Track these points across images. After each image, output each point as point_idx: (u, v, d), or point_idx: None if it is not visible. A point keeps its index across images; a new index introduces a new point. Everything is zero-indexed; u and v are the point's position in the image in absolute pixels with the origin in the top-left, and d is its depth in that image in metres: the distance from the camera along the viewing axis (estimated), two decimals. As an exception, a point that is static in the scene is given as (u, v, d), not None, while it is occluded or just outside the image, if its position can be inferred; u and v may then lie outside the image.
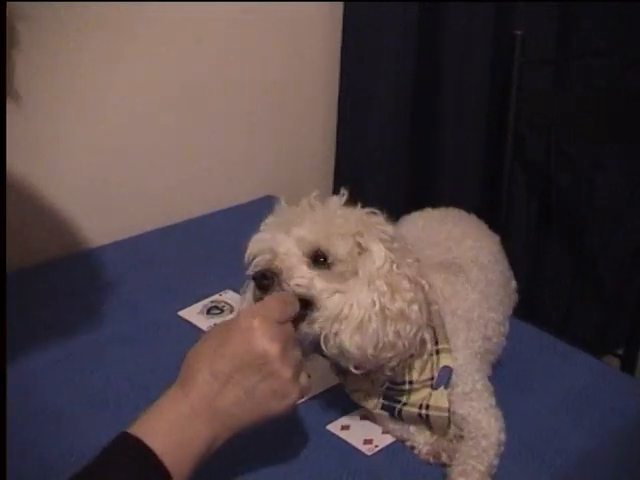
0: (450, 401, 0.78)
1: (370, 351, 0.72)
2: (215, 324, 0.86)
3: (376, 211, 0.79)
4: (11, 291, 0.90)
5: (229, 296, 1.08)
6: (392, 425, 0.82)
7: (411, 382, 0.78)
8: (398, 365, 0.76)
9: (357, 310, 0.72)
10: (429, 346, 0.77)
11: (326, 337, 0.74)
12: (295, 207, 0.79)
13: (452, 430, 0.80)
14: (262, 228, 0.80)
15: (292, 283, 0.73)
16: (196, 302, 1.06)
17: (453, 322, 0.81)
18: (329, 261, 0.74)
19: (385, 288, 0.73)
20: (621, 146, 1.60)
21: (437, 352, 0.78)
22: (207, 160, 1.37)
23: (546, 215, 1.66)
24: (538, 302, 1.73)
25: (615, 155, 1.67)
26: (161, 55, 1.23)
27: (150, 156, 1.29)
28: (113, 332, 0.99)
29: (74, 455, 0.77)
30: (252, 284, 0.77)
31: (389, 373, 0.76)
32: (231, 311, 1.04)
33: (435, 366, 0.78)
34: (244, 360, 0.66)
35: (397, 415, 0.79)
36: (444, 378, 0.79)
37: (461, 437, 0.79)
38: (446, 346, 0.78)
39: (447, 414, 0.79)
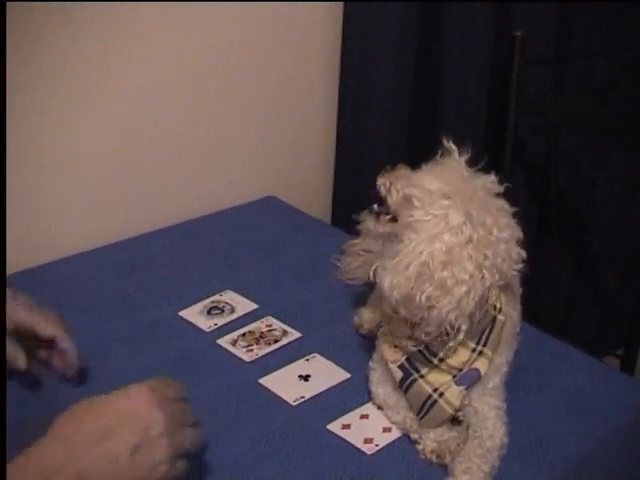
0: (462, 401, 0.79)
1: (396, 295, 0.75)
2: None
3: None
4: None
5: (229, 296, 1.08)
6: (403, 413, 0.82)
7: (442, 360, 0.79)
8: (433, 336, 0.77)
9: (406, 251, 0.75)
10: (461, 336, 0.77)
11: (376, 269, 0.78)
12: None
13: (460, 431, 0.80)
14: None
15: (406, 188, 0.81)
16: (196, 302, 1.06)
17: (505, 335, 0.82)
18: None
19: (442, 251, 0.74)
20: (621, 146, 1.60)
21: (480, 353, 0.79)
22: (207, 161, 1.37)
23: (546, 215, 1.66)
24: (538, 302, 1.73)
25: (615, 155, 1.67)
26: (161, 56, 1.23)
27: (150, 157, 1.29)
28: (113, 332, 0.99)
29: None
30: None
31: (424, 337, 0.77)
32: (231, 311, 1.04)
33: (470, 363, 0.79)
34: (121, 424, 0.62)
35: (408, 384, 0.80)
36: (470, 379, 0.80)
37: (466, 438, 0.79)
38: (489, 354, 0.79)
39: (451, 413, 0.79)
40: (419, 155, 1.53)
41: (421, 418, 0.80)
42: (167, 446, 0.63)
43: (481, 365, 0.79)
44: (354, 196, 1.42)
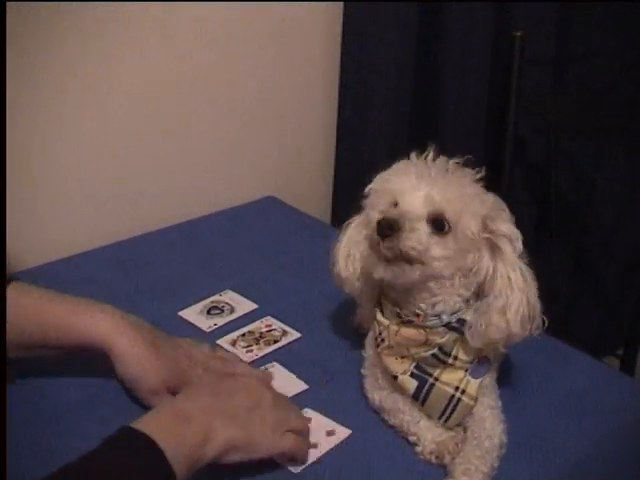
0: (477, 391, 0.79)
1: (534, 330, 0.77)
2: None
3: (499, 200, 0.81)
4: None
5: (229, 296, 1.08)
6: (400, 416, 0.81)
7: (456, 357, 0.78)
8: None
9: (521, 296, 0.76)
10: None
11: (488, 324, 0.76)
12: (425, 162, 0.81)
13: (458, 431, 0.80)
14: (390, 170, 0.82)
15: (408, 244, 0.74)
16: (196, 302, 1.06)
17: None
18: (446, 230, 0.75)
19: (528, 268, 0.77)
20: (621, 147, 1.60)
21: None
22: (207, 161, 1.37)
23: (546, 216, 1.66)
24: (538, 302, 1.73)
25: (615, 156, 1.67)
26: (161, 55, 1.23)
27: (150, 157, 1.29)
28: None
29: (74, 455, 0.77)
30: (354, 224, 0.84)
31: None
32: (231, 311, 1.04)
33: (480, 353, 0.79)
34: (244, 389, 0.75)
35: (426, 389, 0.79)
36: (484, 369, 0.80)
37: (456, 425, 0.80)
38: None
39: (474, 404, 0.79)
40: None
41: (446, 420, 0.79)
42: (275, 416, 0.73)
43: (489, 352, 0.80)
44: (354, 196, 1.42)
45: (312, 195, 1.54)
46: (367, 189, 0.82)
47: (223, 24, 1.28)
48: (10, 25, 0.97)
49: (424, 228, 0.75)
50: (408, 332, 0.78)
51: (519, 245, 0.77)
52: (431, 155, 0.82)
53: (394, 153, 1.49)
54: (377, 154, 1.49)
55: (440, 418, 0.80)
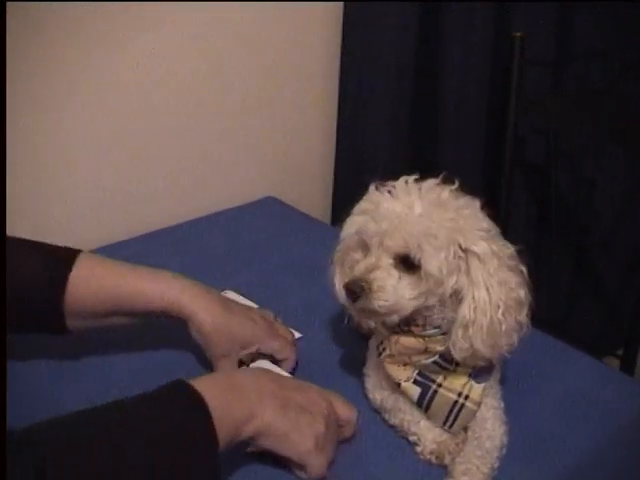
0: (481, 396, 0.79)
1: (504, 347, 0.75)
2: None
3: (472, 201, 0.78)
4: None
5: (230, 296, 1.07)
6: (401, 416, 0.81)
7: (458, 364, 0.78)
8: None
9: (484, 315, 0.73)
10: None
11: (453, 342, 0.75)
12: (388, 195, 0.77)
13: (461, 432, 0.80)
14: (355, 212, 0.80)
15: (376, 304, 0.75)
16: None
17: None
18: (416, 266, 0.74)
19: (500, 287, 0.74)
20: (621, 147, 1.60)
21: None
22: (207, 161, 1.37)
23: (546, 216, 1.66)
24: (538, 302, 1.73)
25: (614, 156, 1.67)
26: (160, 56, 1.23)
27: (150, 157, 1.29)
28: (113, 332, 0.99)
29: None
30: (337, 266, 0.83)
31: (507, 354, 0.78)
32: None
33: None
34: (306, 398, 0.75)
35: (429, 396, 0.79)
36: (488, 373, 0.80)
37: (459, 430, 0.79)
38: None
39: (477, 409, 0.79)
40: (419, 155, 1.55)
41: (450, 426, 0.79)
42: (323, 428, 0.73)
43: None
44: (354, 196, 1.42)
45: (312, 195, 1.54)
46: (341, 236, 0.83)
47: (223, 24, 1.28)
48: (13, 22, 0.97)
49: (391, 280, 0.74)
50: (408, 341, 0.78)
51: (493, 262, 0.74)
52: (407, 179, 0.78)
53: (394, 153, 1.51)
54: (377, 154, 1.49)
55: (444, 424, 0.79)
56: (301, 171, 1.52)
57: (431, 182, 0.78)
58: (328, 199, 1.53)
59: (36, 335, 0.97)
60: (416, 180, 0.78)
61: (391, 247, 0.74)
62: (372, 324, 0.80)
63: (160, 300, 0.84)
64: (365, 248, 0.78)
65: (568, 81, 1.66)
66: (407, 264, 0.74)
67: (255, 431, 0.69)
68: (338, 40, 1.40)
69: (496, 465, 0.77)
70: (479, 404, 0.79)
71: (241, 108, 1.37)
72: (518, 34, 1.45)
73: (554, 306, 1.75)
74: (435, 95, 1.51)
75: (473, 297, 0.74)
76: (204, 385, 0.67)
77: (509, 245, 0.77)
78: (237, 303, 0.92)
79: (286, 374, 0.87)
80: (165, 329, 1.01)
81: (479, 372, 0.79)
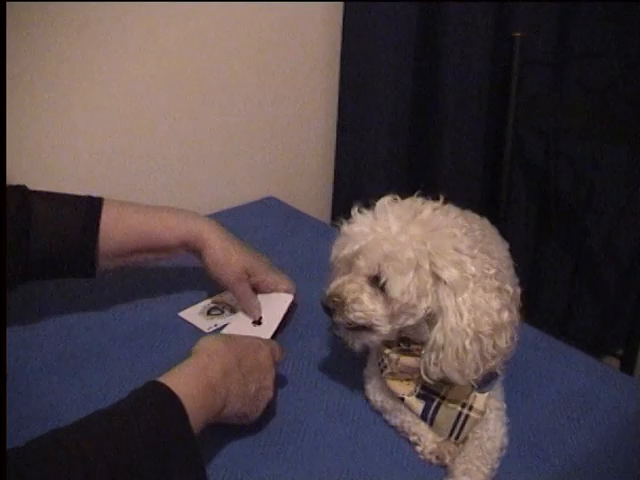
0: (485, 404, 0.79)
1: (472, 375, 0.74)
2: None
3: (457, 217, 0.77)
4: (11, 292, 0.90)
5: (229, 297, 1.07)
6: (402, 417, 0.81)
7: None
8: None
9: (451, 341, 0.73)
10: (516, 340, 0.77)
11: (425, 365, 0.76)
12: (364, 217, 0.78)
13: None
14: (340, 233, 0.80)
15: (350, 316, 0.77)
16: (197, 303, 1.06)
17: None
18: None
19: (474, 312, 0.72)
20: (621, 147, 1.60)
21: None
22: (208, 161, 1.37)
23: (546, 216, 1.66)
24: (538, 302, 1.73)
25: (614, 156, 1.67)
26: (160, 57, 1.23)
27: (150, 157, 1.29)
28: (113, 332, 0.99)
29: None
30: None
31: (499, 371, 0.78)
32: (231, 311, 1.04)
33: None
34: (260, 367, 0.79)
35: (433, 409, 0.79)
36: (490, 383, 0.79)
37: (466, 438, 0.79)
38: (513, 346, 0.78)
39: (481, 417, 0.79)
40: (419, 156, 1.55)
41: (457, 437, 0.79)
42: (270, 396, 0.81)
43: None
44: (354, 196, 1.42)
45: (312, 195, 1.54)
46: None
47: (223, 24, 1.28)
48: (16, 20, 0.97)
49: (365, 294, 0.76)
50: (408, 360, 0.79)
51: (466, 287, 0.72)
52: (381, 202, 0.78)
53: (394, 154, 1.51)
54: (377, 154, 1.49)
55: (450, 436, 0.79)
56: (301, 171, 1.52)
57: (410, 201, 0.77)
58: (328, 199, 1.53)
59: (37, 332, 0.98)
60: (395, 200, 0.78)
61: (361, 269, 0.76)
62: (357, 346, 0.80)
63: (185, 233, 0.96)
64: (349, 270, 0.79)
65: (568, 81, 1.66)
66: (379, 286, 0.75)
67: (225, 419, 0.76)
68: (338, 40, 1.40)
69: (496, 466, 0.77)
70: (483, 413, 0.79)
71: (241, 108, 1.38)
72: (518, 34, 1.45)
73: (554, 306, 1.75)
74: (435, 95, 1.51)
75: (442, 323, 0.73)
76: (179, 385, 0.69)
77: (494, 264, 0.75)
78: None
79: (261, 334, 0.95)
80: (165, 331, 1.01)
81: (482, 382, 0.79)
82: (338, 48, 1.41)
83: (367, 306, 0.76)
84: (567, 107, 1.48)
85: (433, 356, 0.74)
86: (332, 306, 0.77)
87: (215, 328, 1.01)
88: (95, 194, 1.23)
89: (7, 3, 0.91)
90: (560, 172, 1.60)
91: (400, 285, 0.73)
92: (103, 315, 1.03)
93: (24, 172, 1.13)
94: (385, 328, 0.76)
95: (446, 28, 1.45)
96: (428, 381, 0.77)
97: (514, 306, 0.75)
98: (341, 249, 0.78)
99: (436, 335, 0.74)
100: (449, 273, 0.72)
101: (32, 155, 1.15)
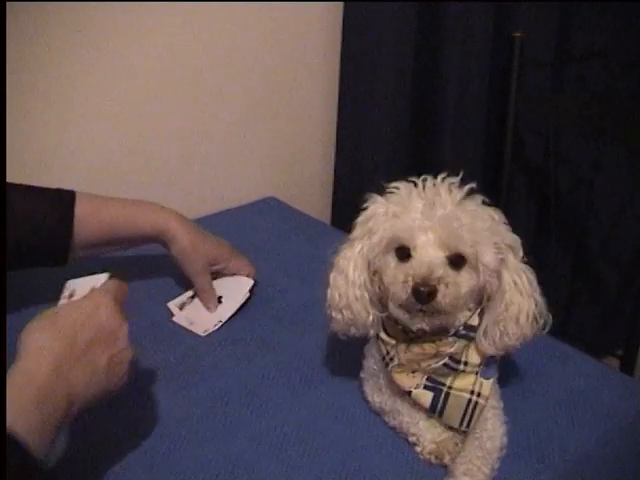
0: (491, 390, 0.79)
1: (539, 331, 0.78)
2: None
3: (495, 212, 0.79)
4: (11, 291, 0.90)
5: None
6: (400, 418, 0.82)
7: (466, 363, 0.78)
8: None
9: (520, 303, 0.77)
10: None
11: (482, 343, 0.77)
12: (426, 192, 0.76)
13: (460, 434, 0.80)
14: (391, 203, 0.77)
15: (447, 303, 0.73)
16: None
17: None
18: (464, 263, 0.74)
19: (528, 280, 0.77)
20: (620, 147, 1.60)
21: None
22: (208, 161, 1.37)
23: (545, 216, 1.66)
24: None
25: (614, 156, 1.67)
26: (160, 56, 1.23)
27: (150, 158, 1.29)
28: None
29: (73, 454, 0.77)
30: (350, 264, 0.79)
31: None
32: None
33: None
34: (103, 332, 0.70)
35: (442, 399, 0.79)
36: (493, 368, 0.80)
37: (465, 436, 0.79)
38: None
39: (486, 403, 0.79)
40: (419, 156, 1.55)
41: (467, 425, 0.78)
42: (130, 355, 0.73)
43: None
44: (354, 196, 1.42)
45: (312, 195, 1.54)
46: (360, 218, 0.79)
47: (223, 24, 1.29)
48: (17, 19, 0.97)
49: (457, 277, 0.74)
50: (419, 347, 0.78)
51: (520, 251, 0.77)
52: (431, 181, 0.77)
53: (394, 154, 1.51)
54: (377, 154, 1.49)
55: (461, 425, 0.79)
56: (301, 171, 1.52)
57: (448, 181, 0.77)
58: (328, 199, 1.53)
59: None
60: (441, 179, 0.78)
61: (444, 244, 0.73)
62: (426, 327, 0.76)
63: (154, 226, 1.00)
64: (398, 251, 0.75)
65: (568, 81, 1.66)
66: (455, 261, 0.74)
67: (80, 409, 0.68)
68: (338, 41, 1.40)
69: (497, 465, 0.77)
70: (487, 398, 0.79)
71: (241, 108, 1.38)
72: (518, 34, 1.46)
73: (554, 306, 1.74)
74: (435, 95, 1.51)
75: (515, 284, 0.76)
76: (8, 407, 0.61)
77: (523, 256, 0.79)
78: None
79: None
80: (165, 332, 1.01)
81: (486, 368, 0.79)
82: (338, 48, 1.41)
83: (462, 289, 0.74)
84: (567, 107, 1.48)
85: (496, 329, 0.76)
86: (430, 290, 0.71)
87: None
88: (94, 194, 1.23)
89: (7, 3, 0.91)
90: (560, 172, 1.60)
91: (489, 252, 0.74)
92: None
93: (24, 172, 1.13)
94: (465, 299, 0.75)
95: (446, 28, 1.45)
96: (489, 353, 0.78)
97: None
98: (401, 228, 0.74)
99: (500, 304, 0.76)
100: (510, 237, 0.77)
101: (32, 155, 1.15)
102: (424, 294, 0.72)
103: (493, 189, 1.56)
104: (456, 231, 0.73)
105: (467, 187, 0.77)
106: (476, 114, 1.56)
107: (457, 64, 1.49)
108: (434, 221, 0.73)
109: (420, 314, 0.74)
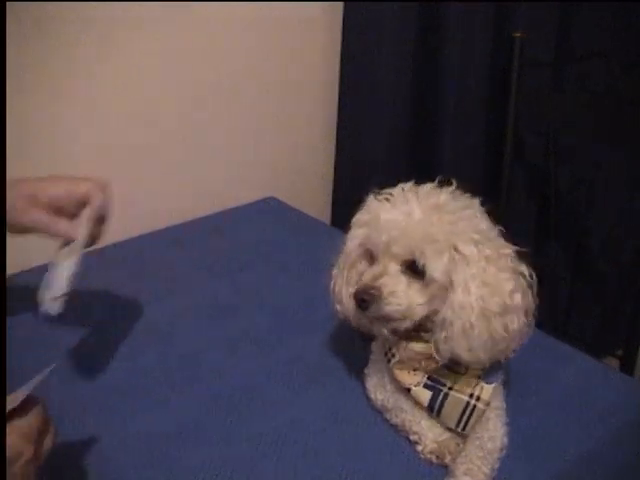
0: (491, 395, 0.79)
1: (482, 354, 0.74)
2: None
3: (471, 201, 0.78)
4: (11, 291, 0.90)
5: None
6: (402, 416, 0.82)
7: (467, 366, 0.78)
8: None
9: (458, 317, 0.73)
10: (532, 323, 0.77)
11: (436, 343, 0.76)
12: (387, 204, 0.78)
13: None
14: (356, 223, 0.80)
15: (388, 310, 0.74)
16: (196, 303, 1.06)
17: None
18: (424, 272, 0.74)
19: (482, 289, 0.72)
20: (620, 147, 1.60)
21: None
22: (208, 162, 1.37)
23: (546, 216, 1.66)
24: (538, 302, 1.73)
25: (614, 156, 1.67)
26: (162, 58, 1.23)
27: (151, 158, 1.29)
28: (113, 332, 0.99)
29: (74, 454, 0.77)
30: (341, 278, 0.81)
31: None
32: None
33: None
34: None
35: (440, 399, 0.79)
36: (497, 372, 0.80)
37: (468, 432, 0.79)
38: (529, 330, 0.78)
39: (486, 408, 0.79)
40: (419, 156, 1.55)
41: (463, 428, 0.79)
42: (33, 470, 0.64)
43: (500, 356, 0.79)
44: (354, 196, 1.43)
45: (312, 195, 1.54)
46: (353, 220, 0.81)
47: (223, 24, 1.28)
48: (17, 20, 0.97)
49: (401, 285, 0.75)
50: (417, 346, 0.79)
51: (479, 265, 0.73)
52: (404, 186, 0.78)
53: (394, 153, 1.51)
54: (377, 154, 1.49)
55: (457, 426, 0.79)
56: (301, 171, 1.52)
57: (428, 187, 0.78)
58: (328, 199, 1.53)
59: (36, 335, 0.98)
60: (413, 186, 0.78)
61: (397, 254, 0.75)
62: (385, 332, 0.79)
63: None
64: (370, 259, 0.78)
65: (568, 81, 1.66)
66: (414, 270, 0.75)
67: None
68: (338, 40, 1.40)
69: (497, 466, 0.77)
70: (488, 404, 0.79)
71: (241, 109, 1.38)
72: (518, 34, 1.46)
73: (554, 306, 1.74)
74: (435, 95, 1.51)
75: (451, 299, 0.74)
76: None
77: (510, 246, 0.77)
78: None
79: None
80: (165, 332, 1.01)
81: (489, 373, 0.79)
82: (338, 48, 1.41)
83: (403, 300, 0.74)
84: (567, 107, 1.48)
85: (443, 334, 0.74)
86: (369, 298, 0.75)
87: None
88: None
89: (7, 3, 0.91)
90: (560, 172, 1.60)
91: (440, 265, 0.73)
92: (103, 315, 1.03)
93: (24, 172, 1.13)
94: (419, 316, 0.76)
95: (446, 28, 1.45)
96: (439, 360, 0.76)
97: (530, 290, 0.76)
98: (365, 237, 0.78)
99: (446, 311, 0.74)
100: (468, 251, 0.73)
101: (32, 155, 1.15)
102: (358, 301, 0.75)
103: (493, 189, 1.56)
104: (409, 242, 0.74)
105: (445, 191, 0.77)
106: (476, 114, 1.56)
107: (457, 64, 1.49)
108: (392, 232, 0.75)
109: (374, 321, 0.77)
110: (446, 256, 0.73)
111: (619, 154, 1.69)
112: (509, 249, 0.76)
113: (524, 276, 0.76)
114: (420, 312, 0.75)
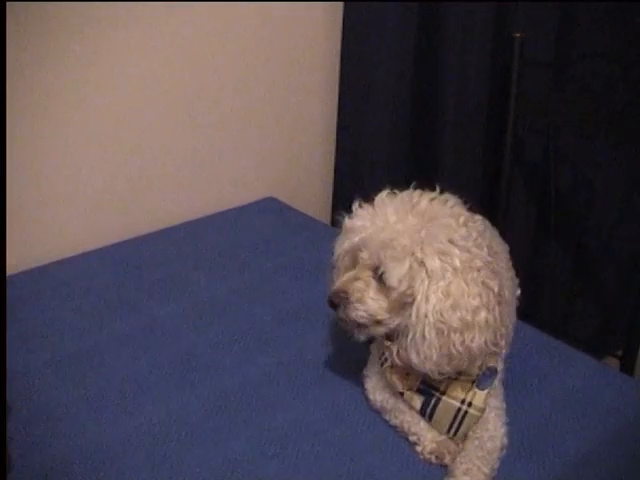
0: (485, 402, 0.79)
1: (436, 367, 0.74)
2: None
3: (453, 209, 0.77)
4: (11, 292, 0.90)
5: None
6: (401, 417, 0.82)
7: (460, 372, 0.78)
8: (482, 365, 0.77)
9: (413, 326, 0.73)
10: (502, 343, 0.76)
11: (396, 348, 0.77)
12: (365, 211, 0.79)
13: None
14: (342, 229, 0.82)
15: (354, 315, 0.77)
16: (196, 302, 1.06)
17: None
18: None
19: (443, 303, 0.72)
20: (621, 147, 1.60)
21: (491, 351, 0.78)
22: (208, 162, 1.37)
23: (546, 216, 1.66)
24: (538, 303, 1.73)
25: (614, 156, 1.67)
26: (161, 58, 1.23)
27: (152, 158, 1.29)
28: (113, 332, 0.99)
29: (74, 455, 0.77)
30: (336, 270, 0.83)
31: (477, 371, 0.78)
32: None
33: (485, 364, 0.78)
34: None
35: (432, 404, 0.79)
36: (490, 379, 0.79)
37: (465, 436, 0.79)
38: (496, 349, 0.77)
39: (481, 415, 0.79)
40: (418, 156, 1.55)
41: (454, 434, 0.79)
42: None
43: (494, 361, 0.79)
44: (354, 196, 1.42)
45: (312, 195, 1.54)
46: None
47: (223, 25, 1.28)
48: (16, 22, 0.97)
49: (370, 291, 0.76)
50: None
51: (445, 278, 0.72)
52: (380, 196, 0.79)
53: (394, 153, 1.51)
54: (377, 154, 1.49)
55: (449, 432, 0.79)
56: (301, 171, 1.52)
57: (407, 193, 0.78)
58: (328, 199, 1.53)
59: (36, 335, 0.98)
60: (393, 193, 0.79)
61: (365, 260, 0.76)
62: (361, 337, 0.80)
63: None
64: (355, 263, 0.79)
65: (568, 81, 1.66)
66: (380, 277, 0.75)
67: None
68: (338, 40, 1.40)
69: (497, 465, 0.77)
70: (483, 410, 0.79)
71: (241, 109, 1.37)
72: (518, 34, 1.45)
73: (554, 306, 1.75)
74: (434, 95, 1.51)
75: (412, 309, 0.74)
76: None
77: (487, 259, 0.74)
78: None
79: None
80: (163, 330, 1.01)
81: (482, 378, 0.79)
82: (338, 48, 1.41)
83: (370, 306, 0.76)
84: (567, 107, 1.48)
85: (403, 340, 0.75)
86: (337, 301, 0.77)
87: None
88: (95, 196, 1.24)
89: (7, 3, 0.91)
90: (560, 172, 1.60)
91: (396, 273, 0.73)
92: (103, 315, 1.03)
93: (24, 173, 1.13)
94: (392, 321, 0.76)
95: (446, 28, 1.45)
96: (397, 362, 0.77)
97: (499, 307, 0.74)
98: (343, 244, 0.79)
99: (407, 319, 0.74)
100: (431, 262, 0.73)
101: (32, 154, 1.15)
102: (329, 305, 0.78)
103: (493, 189, 1.56)
104: (373, 249, 0.75)
105: (426, 197, 0.77)
106: (476, 114, 1.56)
107: (457, 64, 1.49)
108: (358, 238, 0.77)
109: (347, 324, 0.78)
110: (406, 264, 0.73)
111: (619, 154, 1.69)
112: (483, 262, 0.74)
113: (492, 291, 0.74)
114: (388, 319, 0.76)
